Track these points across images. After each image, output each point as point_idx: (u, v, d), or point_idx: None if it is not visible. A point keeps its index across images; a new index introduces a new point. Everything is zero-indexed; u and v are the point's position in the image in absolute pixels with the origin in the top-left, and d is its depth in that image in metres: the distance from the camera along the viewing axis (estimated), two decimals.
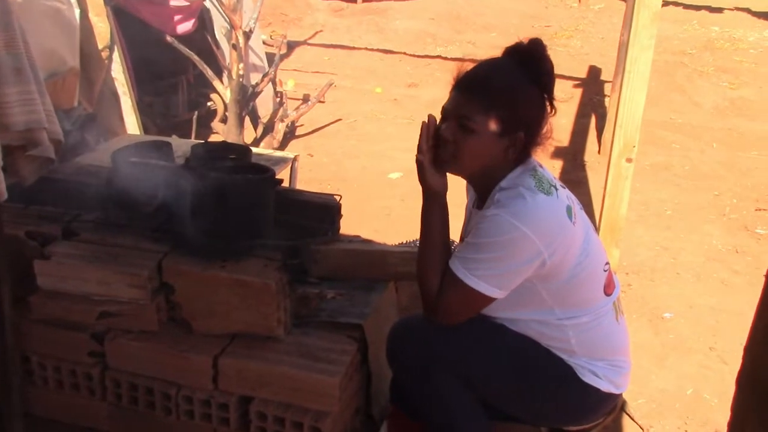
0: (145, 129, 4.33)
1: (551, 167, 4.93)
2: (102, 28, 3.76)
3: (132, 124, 4.08)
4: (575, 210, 1.86)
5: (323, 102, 6.05)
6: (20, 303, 2.27)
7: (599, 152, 5.35)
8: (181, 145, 3.15)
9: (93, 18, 3.69)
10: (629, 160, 3.05)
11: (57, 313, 2.27)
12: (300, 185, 4.10)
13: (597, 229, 3.09)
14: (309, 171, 4.87)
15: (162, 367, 2.22)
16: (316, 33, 8.63)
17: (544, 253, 1.75)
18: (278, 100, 5.46)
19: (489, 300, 1.83)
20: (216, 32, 5.12)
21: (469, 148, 1.80)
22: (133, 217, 2.36)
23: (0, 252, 2.04)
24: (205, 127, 5.35)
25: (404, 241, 3.21)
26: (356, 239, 2.78)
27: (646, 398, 2.80)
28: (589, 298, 1.91)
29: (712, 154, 5.44)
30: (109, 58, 3.90)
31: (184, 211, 2.19)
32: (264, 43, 6.32)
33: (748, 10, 9.26)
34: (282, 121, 5.31)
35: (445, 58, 7.64)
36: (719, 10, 9.36)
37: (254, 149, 3.48)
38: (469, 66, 1.86)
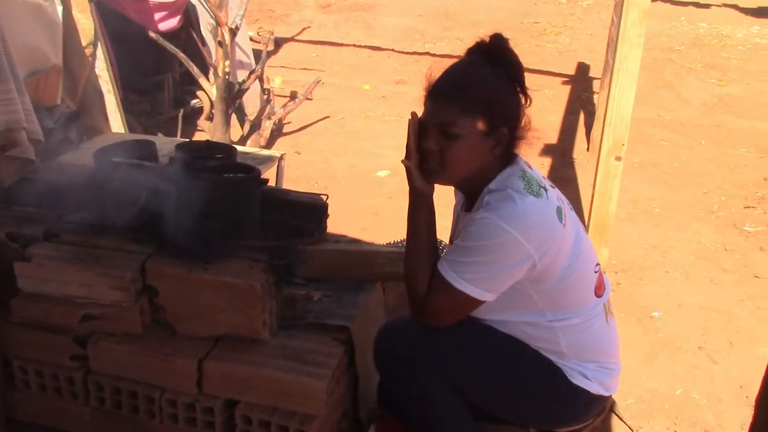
0: (130, 127, 4.28)
1: (540, 165, 4.92)
2: (86, 24, 3.71)
3: (116, 123, 4.03)
4: (565, 211, 1.84)
5: (311, 99, 6.00)
6: (1, 306, 2.23)
7: (588, 149, 5.34)
8: (166, 144, 3.11)
9: (76, 14, 3.64)
10: (618, 159, 3.04)
11: (38, 316, 2.23)
12: (287, 183, 4.06)
13: (586, 228, 3.08)
14: (296, 169, 4.83)
15: (146, 370, 2.18)
16: (304, 29, 8.57)
17: (534, 256, 1.73)
18: (265, 97, 5.42)
19: (478, 303, 1.81)
20: (202, 29, 5.08)
21: (456, 153, 1.77)
22: (116, 217, 2.32)
23: None
24: (190, 125, 5.30)
25: (392, 241, 3.18)
26: (343, 239, 2.75)
27: (635, 398, 2.79)
28: (579, 299, 1.89)
29: (701, 151, 5.44)
30: (93, 55, 3.85)
31: (168, 212, 2.15)
32: (251, 39, 6.27)
33: (735, 7, 9.26)
34: (269, 118, 5.26)
35: (434, 55, 7.61)
36: (707, 6, 9.36)
37: (240, 148, 3.45)
38: (437, 73, 1.83)
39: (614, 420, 2.67)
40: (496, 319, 1.90)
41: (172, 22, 4.91)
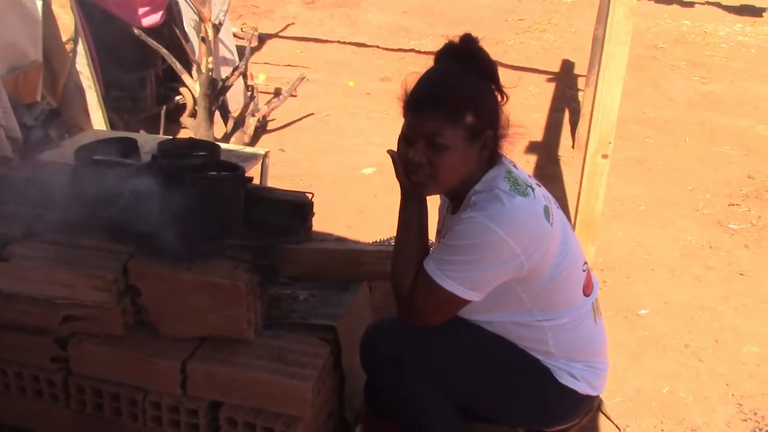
0: (112, 124, 4.23)
1: (525, 162, 4.91)
2: (66, 19, 3.65)
3: (98, 119, 3.98)
4: (552, 210, 1.82)
5: (295, 96, 5.97)
6: None
7: (573, 147, 5.34)
8: (148, 141, 3.06)
9: (56, 9, 3.59)
10: (605, 157, 3.02)
11: (18, 317, 2.18)
12: (271, 181, 4.03)
13: (573, 227, 3.06)
14: (281, 166, 4.80)
15: (128, 372, 2.14)
16: (288, 26, 8.53)
17: (521, 257, 1.71)
18: (249, 94, 5.37)
19: (463, 302, 1.79)
20: (185, 25, 5.03)
21: (447, 164, 1.74)
22: (98, 217, 2.28)
23: None
24: (173, 122, 5.24)
25: (379, 240, 3.16)
26: (329, 238, 2.73)
27: (622, 397, 2.79)
28: (568, 299, 1.88)
29: (686, 148, 5.46)
30: (74, 51, 3.79)
31: (151, 211, 2.12)
32: (234, 35, 6.22)
33: (718, 5, 9.32)
34: (253, 115, 5.22)
35: (419, 52, 7.60)
36: (690, 4, 9.41)
37: (224, 145, 3.41)
38: (411, 84, 1.79)
39: (601, 419, 2.67)
40: (485, 320, 1.88)
41: (155, 18, 4.86)
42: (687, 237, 4.10)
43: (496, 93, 1.81)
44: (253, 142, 5.22)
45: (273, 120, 5.70)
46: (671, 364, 3.01)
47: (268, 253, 2.28)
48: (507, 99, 1.83)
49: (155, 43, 4.66)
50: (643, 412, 2.73)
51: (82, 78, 3.92)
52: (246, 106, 5.19)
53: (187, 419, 2.10)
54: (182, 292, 2.08)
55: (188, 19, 5.03)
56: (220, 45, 5.21)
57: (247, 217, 2.30)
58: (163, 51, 4.72)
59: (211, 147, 2.60)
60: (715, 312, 3.38)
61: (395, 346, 1.91)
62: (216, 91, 4.80)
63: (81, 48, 3.88)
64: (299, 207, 2.51)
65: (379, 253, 2.39)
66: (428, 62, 1.84)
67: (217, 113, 5.03)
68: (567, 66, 7.28)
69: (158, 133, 4.90)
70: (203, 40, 4.63)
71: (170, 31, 4.97)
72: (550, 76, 6.94)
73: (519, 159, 1.93)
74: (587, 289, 1.93)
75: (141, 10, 4.73)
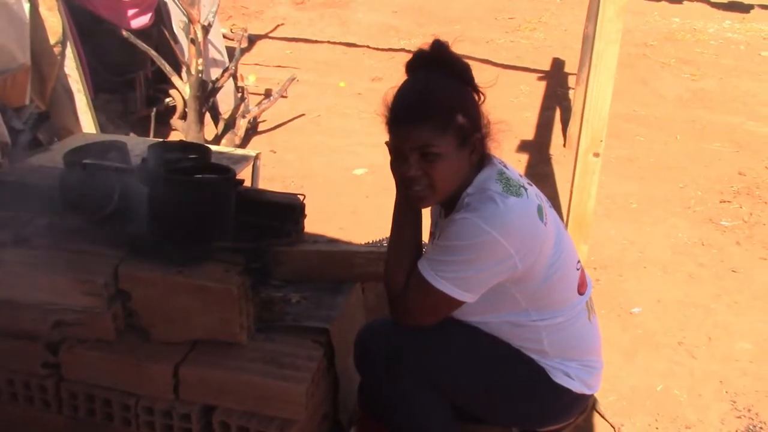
0: (101, 127, 4.21)
1: (516, 161, 4.91)
2: (53, 22, 3.63)
3: (87, 122, 3.95)
4: (546, 209, 1.82)
5: (286, 97, 5.95)
6: None
7: (565, 145, 5.34)
8: (138, 144, 3.05)
9: (44, 12, 3.57)
10: (596, 155, 3.01)
11: (8, 323, 2.16)
12: (263, 182, 4.01)
13: (565, 225, 3.06)
14: (272, 168, 4.78)
15: (120, 377, 2.12)
16: (278, 26, 8.50)
17: (515, 258, 1.71)
18: (239, 95, 5.36)
19: (457, 303, 1.78)
20: (174, 26, 5.01)
21: (442, 173, 1.74)
22: (88, 221, 2.26)
23: None
24: (164, 125, 5.22)
25: (371, 241, 3.15)
26: (321, 239, 2.72)
27: (617, 396, 2.79)
28: (563, 298, 1.87)
29: (676, 146, 5.47)
30: (62, 53, 3.77)
31: (141, 215, 2.10)
32: (224, 36, 6.21)
33: (707, 2, 9.34)
34: (244, 117, 5.20)
35: (409, 52, 7.48)
36: (679, 1, 9.43)
37: (215, 147, 3.40)
38: (391, 99, 1.78)
39: (596, 418, 2.67)
40: (480, 320, 1.88)
41: (144, 20, 4.84)
42: (679, 234, 4.11)
43: (474, 94, 1.81)
44: (244, 143, 5.20)
45: (264, 121, 5.68)
46: (665, 361, 3.01)
47: (259, 255, 2.27)
48: (484, 98, 1.82)
49: (144, 45, 4.64)
50: (637, 411, 2.73)
51: (70, 81, 3.90)
52: (236, 108, 5.17)
53: (180, 424, 2.08)
54: (174, 295, 2.06)
55: (177, 20, 5.00)
56: (210, 46, 5.20)
57: (238, 219, 2.28)
58: (153, 53, 4.70)
59: (201, 149, 2.59)
60: (708, 309, 3.39)
61: (389, 347, 1.90)
62: (206, 93, 4.78)
63: (69, 51, 3.85)
64: (291, 209, 2.50)
65: (371, 255, 2.39)
66: (395, 89, 1.81)
67: (208, 115, 5.02)
68: (557, 64, 7.28)
69: (148, 136, 4.89)
70: (192, 41, 4.62)
71: (159, 32, 4.95)
72: (540, 75, 6.94)
73: (510, 158, 1.93)
74: (581, 287, 1.93)
75: (129, 12, 4.71)
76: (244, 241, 2.26)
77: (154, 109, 5.14)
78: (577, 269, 1.92)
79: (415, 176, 1.74)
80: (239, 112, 5.17)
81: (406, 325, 1.86)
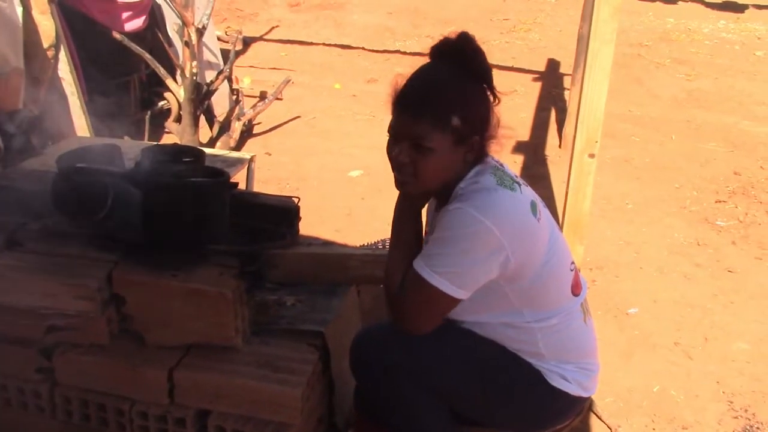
0: (95, 130, 4.19)
1: (512, 162, 4.91)
2: (47, 26, 3.61)
3: (81, 126, 3.94)
4: (539, 207, 1.82)
5: (281, 99, 5.94)
6: None
7: (560, 146, 5.34)
8: (132, 148, 3.03)
9: (37, 16, 3.55)
10: (592, 156, 3.01)
11: (1, 328, 2.15)
12: (258, 185, 4.01)
13: (560, 226, 3.06)
14: (267, 170, 4.78)
15: (114, 381, 2.11)
16: (273, 28, 8.50)
17: (507, 250, 1.70)
18: (234, 98, 5.35)
19: (452, 301, 1.77)
20: (168, 29, 4.99)
21: (429, 167, 1.74)
22: (81, 225, 2.25)
23: None
24: (158, 127, 5.21)
25: (366, 243, 3.14)
26: (316, 242, 2.72)
27: (614, 397, 2.78)
28: (557, 299, 1.86)
29: (672, 146, 5.47)
30: (55, 57, 3.75)
31: (135, 218, 2.09)
32: (219, 39, 6.19)
33: (701, 1, 9.36)
34: (239, 119, 5.19)
35: (404, 53, 7.58)
36: (674, 1, 9.45)
37: (209, 150, 3.39)
38: (403, 80, 1.78)
39: (593, 419, 2.66)
40: (474, 321, 1.87)
41: (138, 23, 4.82)
42: (675, 234, 4.11)
43: (488, 95, 1.80)
44: (239, 146, 5.19)
45: (259, 123, 5.68)
46: (661, 362, 3.01)
47: (254, 258, 2.26)
48: (499, 101, 1.82)
49: (138, 48, 4.63)
50: (634, 412, 2.73)
51: (64, 84, 3.88)
52: (231, 110, 5.17)
53: (175, 428, 2.07)
54: (168, 299, 2.05)
55: (171, 23, 4.99)
56: (204, 49, 5.19)
57: (233, 222, 2.27)
58: (147, 56, 4.69)
59: (195, 152, 2.57)
60: (704, 309, 3.39)
61: (384, 351, 1.89)
62: (201, 96, 4.77)
63: (63, 54, 3.84)
64: (286, 211, 2.49)
65: (366, 257, 2.38)
66: (414, 63, 1.81)
67: (203, 118, 5.01)
68: (552, 65, 7.29)
69: (143, 139, 4.88)
70: (187, 44, 4.61)
71: (153, 35, 4.94)
72: (535, 76, 6.94)
73: (506, 159, 1.92)
74: (576, 289, 1.92)
75: (123, 15, 4.69)
76: (239, 244, 2.26)
77: (149, 112, 5.13)
78: (571, 270, 1.91)
79: (402, 162, 1.75)
80: (234, 115, 5.16)
81: (405, 331, 1.84)
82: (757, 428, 2.66)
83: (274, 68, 7.09)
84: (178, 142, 4.56)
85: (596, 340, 2.01)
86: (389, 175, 1.83)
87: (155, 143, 4.11)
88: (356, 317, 2.49)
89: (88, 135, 3.98)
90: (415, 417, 1.90)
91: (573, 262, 1.94)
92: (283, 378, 2.02)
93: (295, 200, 2.51)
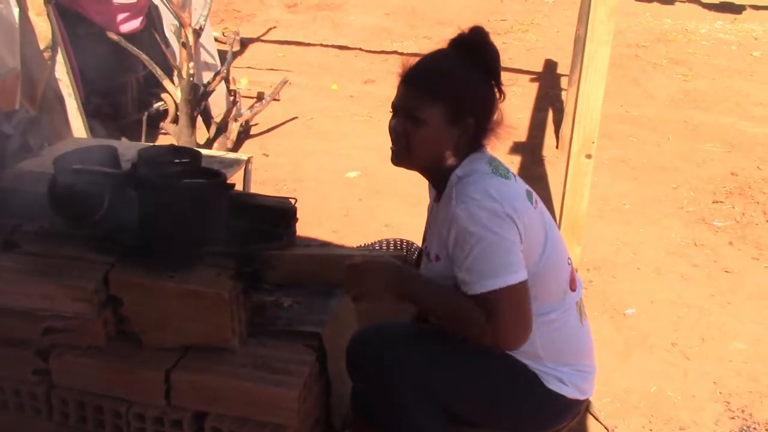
0: (93, 131, 4.19)
1: (509, 163, 4.91)
2: (43, 27, 3.62)
3: (78, 127, 3.94)
4: (535, 197, 1.87)
5: (278, 100, 5.94)
6: None
7: (557, 147, 5.34)
8: (129, 149, 3.03)
9: (33, 17, 3.55)
10: (589, 156, 3.02)
11: None
12: (255, 185, 4.01)
13: (558, 227, 3.06)
14: (264, 171, 4.77)
15: (111, 383, 2.11)
16: (270, 29, 8.49)
17: (516, 221, 1.73)
18: (231, 99, 5.34)
19: (525, 287, 1.73)
20: (165, 30, 4.99)
21: (421, 139, 1.81)
22: (78, 226, 2.25)
23: None
24: (155, 128, 5.21)
25: (364, 244, 3.14)
26: (313, 243, 2.72)
27: (611, 397, 2.78)
28: (555, 290, 1.87)
29: (669, 146, 5.48)
30: (52, 58, 3.75)
31: (131, 220, 2.09)
32: (216, 40, 6.19)
33: (698, 2, 9.35)
34: (236, 120, 5.19)
35: (402, 54, 7.57)
36: (671, 2, 9.44)
37: (206, 151, 3.39)
38: (414, 60, 1.87)
39: (590, 420, 2.66)
40: None
41: (135, 24, 4.82)
42: (672, 235, 4.11)
43: (493, 87, 1.85)
44: (236, 147, 5.19)
45: (256, 125, 5.67)
46: (658, 363, 3.01)
47: (251, 259, 2.26)
48: (504, 97, 1.87)
49: (135, 49, 4.63)
50: (631, 412, 2.73)
51: (61, 85, 3.88)
52: (228, 111, 5.16)
53: (172, 430, 2.07)
54: (165, 301, 2.05)
55: (168, 24, 4.99)
56: (202, 50, 5.18)
57: (229, 223, 2.27)
58: (144, 57, 4.68)
59: (192, 154, 2.58)
60: (701, 310, 3.39)
61: (381, 353, 1.88)
62: (198, 97, 4.77)
63: (60, 55, 3.84)
64: (282, 213, 2.49)
65: (364, 258, 2.37)
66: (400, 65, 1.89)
67: (200, 119, 5.00)
68: (550, 66, 7.29)
69: (140, 140, 4.87)
70: (184, 45, 4.60)
71: (150, 36, 4.93)
72: (533, 76, 6.94)
73: (503, 160, 1.93)
74: (572, 284, 1.93)
75: (120, 16, 4.69)
76: (236, 245, 2.25)
77: (146, 113, 5.13)
78: (569, 264, 1.92)
79: (396, 132, 1.83)
80: (231, 116, 5.15)
81: (513, 348, 1.79)
82: (754, 428, 2.67)
83: (272, 69, 7.08)
84: (175, 144, 4.56)
85: (592, 342, 2.01)
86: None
87: (152, 144, 4.11)
88: (353, 318, 2.49)
89: (84, 136, 3.98)
90: (411, 418, 1.89)
91: (569, 258, 1.95)
92: (280, 379, 2.02)
93: (292, 201, 2.51)
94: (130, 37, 4.71)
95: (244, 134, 5.47)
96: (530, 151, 5.29)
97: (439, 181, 1.89)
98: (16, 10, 3.42)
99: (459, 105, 1.79)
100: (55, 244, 2.23)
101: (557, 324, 1.87)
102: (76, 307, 2.07)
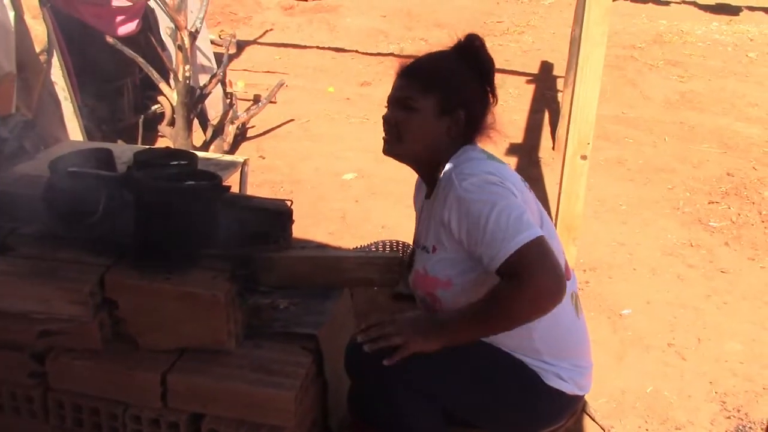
0: (89, 134, 4.19)
1: None
2: (39, 30, 3.62)
3: (74, 130, 3.94)
4: (527, 185, 1.90)
5: (275, 102, 5.94)
6: None
7: (554, 148, 5.35)
8: (125, 151, 3.04)
9: (29, 21, 3.55)
10: (584, 158, 3.02)
11: None
12: (252, 188, 4.01)
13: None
14: (261, 174, 4.78)
15: (107, 386, 2.11)
16: (266, 32, 8.50)
17: (515, 191, 1.75)
18: (228, 101, 5.35)
19: (545, 240, 1.69)
20: (161, 33, 4.99)
21: (412, 126, 1.86)
22: (74, 229, 2.25)
23: None
24: (152, 131, 5.21)
25: (360, 245, 3.14)
26: (310, 244, 2.72)
27: (607, 398, 2.79)
28: None
29: (665, 147, 5.49)
30: (48, 61, 3.75)
31: (127, 222, 2.09)
32: (212, 43, 6.19)
33: (694, 3, 9.37)
34: (232, 123, 5.19)
35: (398, 56, 7.58)
36: (666, 3, 9.46)
37: (202, 154, 3.39)
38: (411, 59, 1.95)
39: (586, 420, 2.67)
40: None
41: (131, 27, 4.82)
42: (668, 236, 4.12)
43: (486, 91, 1.92)
44: (232, 149, 5.19)
45: (253, 127, 5.68)
46: (655, 363, 3.02)
47: (247, 262, 2.26)
48: (496, 101, 1.94)
49: (131, 52, 4.63)
50: (627, 413, 2.73)
51: (57, 89, 3.88)
52: (225, 114, 5.16)
53: None
54: (160, 303, 2.05)
55: (164, 27, 4.99)
56: (198, 53, 5.19)
57: (225, 226, 2.27)
58: (140, 60, 4.68)
59: (188, 156, 2.58)
60: (697, 310, 3.40)
61: (378, 354, 1.88)
62: (194, 100, 4.77)
63: (55, 59, 3.84)
64: (279, 215, 2.49)
65: (360, 259, 2.38)
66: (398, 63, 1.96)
67: (196, 121, 5.00)
68: (546, 67, 7.30)
69: (136, 143, 4.88)
70: (180, 48, 4.60)
71: (146, 39, 4.94)
72: (529, 78, 6.96)
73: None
74: (567, 272, 1.92)
75: (116, 19, 4.69)
76: (232, 247, 2.25)
77: (142, 116, 5.13)
78: (562, 253, 1.93)
79: (389, 123, 1.89)
80: (228, 119, 5.15)
81: (555, 302, 1.69)
82: (750, 428, 2.67)
83: (268, 71, 7.09)
84: (172, 146, 4.56)
85: (588, 338, 2.01)
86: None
87: (148, 147, 4.11)
88: (350, 320, 2.49)
89: (81, 139, 3.97)
90: (408, 419, 1.89)
91: (563, 252, 1.95)
92: (277, 381, 2.02)
93: (288, 203, 2.51)
94: (126, 40, 4.71)
95: (241, 137, 5.47)
96: (527, 153, 5.30)
97: (430, 175, 1.93)
98: (11, 14, 3.42)
99: (451, 97, 1.85)
100: (51, 246, 2.23)
101: (554, 316, 1.86)
102: (72, 309, 2.06)
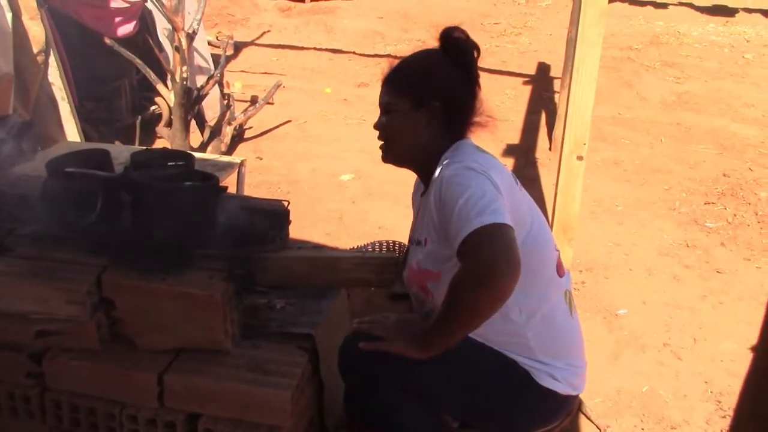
0: (87, 135, 4.20)
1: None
2: (36, 31, 3.62)
3: (71, 131, 3.94)
4: (519, 183, 1.90)
5: (272, 104, 5.95)
6: None
7: (550, 149, 5.36)
8: (123, 152, 3.04)
9: (26, 22, 3.56)
10: (580, 158, 3.04)
11: None
12: (249, 189, 4.01)
13: (550, 228, 3.08)
14: (258, 174, 4.78)
15: (104, 386, 2.11)
16: (264, 33, 8.51)
17: (499, 185, 1.71)
18: (225, 102, 5.35)
19: (510, 230, 1.64)
20: (159, 34, 5.00)
21: (392, 127, 1.92)
22: (71, 229, 2.25)
23: None
24: (149, 132, 5.22)
25: (357, 246, 3.15)
26: (307, 245, 2.72)
27: (602, 397, 2.80)
28: (543, 274, 1.87)
29: (661, 148, 5.50)
30: (45, 62, 3.76)
31: (124, 222, 2.10)
32: (210, 44, 6.20)
33: (691, 5, 9.40)
34: (230, 124, 5.20)
35: (395, 57, 7.57)
36: (664, 5, 9.48)
37: (200, 154, 3.40)
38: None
39: (582, 420, 2.67)
40: None
41: (128, 28, 4.83)
42: (664, 236, 4.13)
43: (467, 78, 1.94)
44: (230, 150, 5.20)
45: (250, 128, 5.68)
46: (650, 363, 3.03)
47: (244, 262, 2.27)
48: (479, 87, 1.97)
49: (129, 53, 4.64)
50: (623, 412, 2.74)
51: (54, 89, 3.89)
52: (222, 115, 5.17)
53: None
54: (157, 303, 2.05)
55: (162, 28, 5.00)
56: (195, 54, 5.19)
57: (222, 226, 2.28)
58: (137, 61, 4.69)
59: (185, 156, 2.58)
60: (693, 310, 3.41)
61: (372, 356, 1.89)
62: (191, 101, 4.77)
63: (53, 59, 3.84)
64: (275, 215, 2.50)
65: (357, 260, 2.38)
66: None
67: (194, 122, 5.01)
68: (543, 68, 7.31)
69: (134, 144, 4.88)
70: (177, 49, 4.61)
71: (144, 40, 4.94)
72: (526, 79, 6.97)
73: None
74: (560, 269, 1.93)
75: (114, 21, 4.70)
76: (229, 248, 2.26)
77: (139, 117, 5.14)
78: (556, 251, 1.93)
79: (377, 128, 1.96)
80: (225, 119, 5.16)
81: (505, 287, 1.61)
82: None
83: (266, 73, 7.10)
84: (169, 147, 4.56)
85: (582, 337, 2.02)
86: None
87: (145, 148, 4.11)
88: (346, 320, 2.50)
89: (78, 140, 3.98)
90: (401, 418, 1.90)
91: (557, 248, 1.96)
92: (273, 381, 2.02)
93: (285, 204, 2.51)
94: (123, 41, 4.72)
95: (238, 138, 5.48)
96: (524, 153, 5.31)
97: (427, 174, 1.93)
98: (9, 15, 3.42)
99: (423, 91, 1.90)
100: (49, 247, 2.23)
101: (546, 311, 1.87)
102: (69, 309, 2.06)
